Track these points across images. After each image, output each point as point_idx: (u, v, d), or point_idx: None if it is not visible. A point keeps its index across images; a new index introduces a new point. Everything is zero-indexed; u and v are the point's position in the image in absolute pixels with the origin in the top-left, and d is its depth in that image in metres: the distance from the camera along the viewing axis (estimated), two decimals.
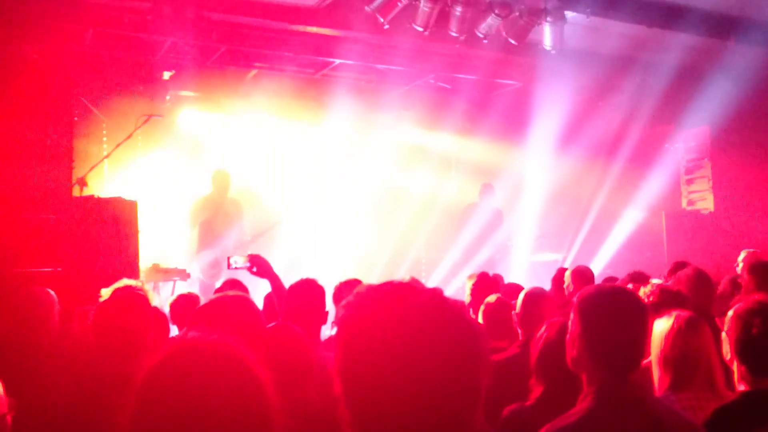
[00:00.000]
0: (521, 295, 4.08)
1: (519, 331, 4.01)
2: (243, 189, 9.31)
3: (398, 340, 1.19)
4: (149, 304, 2.85)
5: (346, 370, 1.23)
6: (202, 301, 3.90)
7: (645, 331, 2.27)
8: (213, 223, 8.30)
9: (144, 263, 7.39)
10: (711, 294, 4.52)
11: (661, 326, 2.76)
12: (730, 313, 2.56)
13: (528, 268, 9.84)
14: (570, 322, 2.26)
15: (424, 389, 1.19)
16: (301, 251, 9.83)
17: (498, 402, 3.34)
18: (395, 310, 1.22)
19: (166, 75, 8.70)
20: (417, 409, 1.19)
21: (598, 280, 6.23)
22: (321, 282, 3.81)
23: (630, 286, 3.97)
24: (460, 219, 9.71)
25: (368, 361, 1.20)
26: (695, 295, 4.18)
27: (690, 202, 9.70)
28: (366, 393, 1.21)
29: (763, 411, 2.45)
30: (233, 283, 4.66)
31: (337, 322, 1.27)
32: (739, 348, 2.51)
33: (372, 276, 9.90)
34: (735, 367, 2.54)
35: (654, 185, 9.80)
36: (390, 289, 1.26)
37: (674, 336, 2.62)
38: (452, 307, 1.26)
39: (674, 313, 2.79)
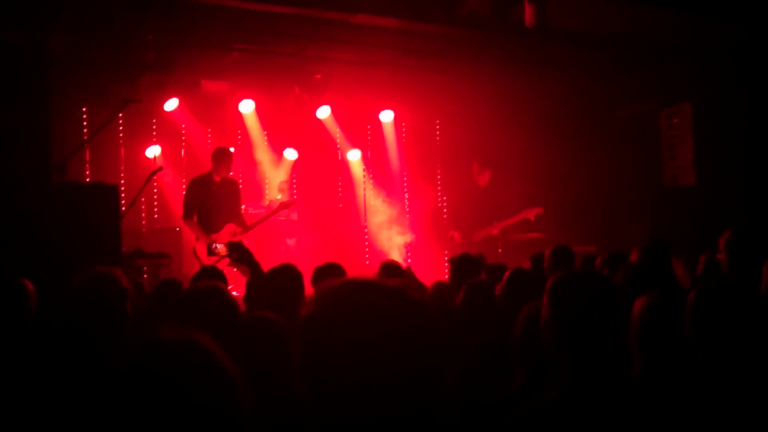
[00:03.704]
0: (504, 276, 4.12)
1: (502, 312, 4.04)
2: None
3: (360, 339, 1.20)
4: (125, 293, 2.82)
5: (308, 368, 1.24)
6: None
7: (616, 315, 2.29)
8: (212, 206, 7.83)
9: (127, 248, 7.35)
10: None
11: (636, 306, 2.76)
12: (691, 295, 2.59)
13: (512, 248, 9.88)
14: (543, 307, 2.28)
15: (386, 386, 1.20)
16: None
17: (481, 384, 3.38)
18: (357, 309, 1.23)
19: (146, 58, 8.58)
20: (380, 406, 1.20)
21: (578, 259, 6.27)
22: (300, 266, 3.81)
23: None
24: None
25: (330, 358, 1.21)
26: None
27: (673, 178, 9.73)
28: (329, 390, 1.22)
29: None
30: (211, 271, 4.63)
31: (300, 320, 1.28)
32: (697, 330, 2.54)
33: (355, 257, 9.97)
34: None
35: (636, 161, 9.83)
36: (352, 287, 1.27)
37: (640, 315, 2.63)
38: (415, 303, 1.27)
39: (649, 293, 2.79)
